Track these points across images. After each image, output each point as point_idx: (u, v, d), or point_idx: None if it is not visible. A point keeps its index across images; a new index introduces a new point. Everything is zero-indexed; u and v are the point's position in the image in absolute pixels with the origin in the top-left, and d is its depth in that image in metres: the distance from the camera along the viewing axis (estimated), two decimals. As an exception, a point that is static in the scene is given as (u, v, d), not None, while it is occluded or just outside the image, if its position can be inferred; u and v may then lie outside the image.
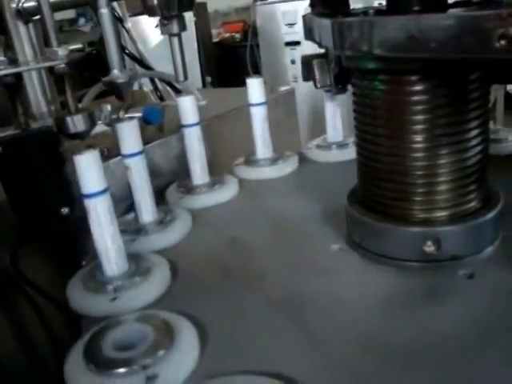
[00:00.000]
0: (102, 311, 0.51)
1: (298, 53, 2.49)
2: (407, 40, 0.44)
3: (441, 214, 0.53)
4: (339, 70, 0.74)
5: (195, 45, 3.12)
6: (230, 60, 3.57)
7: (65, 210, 0.50)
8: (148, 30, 2.07)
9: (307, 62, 0.79)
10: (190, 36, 3.02)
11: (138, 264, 0.55)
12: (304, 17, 0.75)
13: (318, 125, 1.25)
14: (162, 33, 0.72)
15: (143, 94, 1.08)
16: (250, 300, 0.51)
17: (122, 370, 0.41)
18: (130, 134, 0.61)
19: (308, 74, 0.79)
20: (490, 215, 0.53)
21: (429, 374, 0.40)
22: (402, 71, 0.50)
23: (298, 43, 2.66)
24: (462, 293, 0.49)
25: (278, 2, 2.57)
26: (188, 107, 0.71)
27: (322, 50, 0.71)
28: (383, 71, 0.52)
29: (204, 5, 3.27)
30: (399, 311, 0.48)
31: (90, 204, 0.50)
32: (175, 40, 0.71)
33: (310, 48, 2.43)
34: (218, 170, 0.79)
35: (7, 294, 0.65)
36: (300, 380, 0.40)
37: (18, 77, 0.49)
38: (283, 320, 0.48)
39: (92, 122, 0.52)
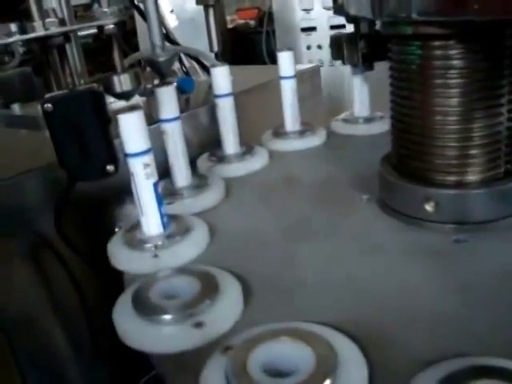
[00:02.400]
0: (144, 268, 0.52)
1: (314, 38, 2.47)
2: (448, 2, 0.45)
3: (472, 177, 0.54)
4: (367, 48, 0.76)
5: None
6: (245, 46, 3.56)
7: (111, 168, 0.51)
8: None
9: (336, 41, 0.80)
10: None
11: (177, 224, 0.57)
12: None
13: (334, 107, 1.26)
14: (197, 3, 0.73)
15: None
16: (290, 256, 0.53)
17: (169, 316, 0.43)
18: (168, 99, 0.62)
19: (337, 53, 0.80)
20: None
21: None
22: (439, 36, 0.51)
23: (313, 29, 2.64)
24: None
25: None
26: (222, 77, 0.72)
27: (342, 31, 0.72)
28: (421, 36, 0.52)
29: (219, -11, 3.27)
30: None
31: (134, 163, 0.52)
32: (211, 11, 0.72)
33: (325, 34, 2.41)
34: (244, 142, 0.80)
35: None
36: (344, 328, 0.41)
37: (66, 38, 0.50)
38: (324, 273, 0.49)
39: (138, 82, 0.53)
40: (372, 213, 0.60)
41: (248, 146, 0.78)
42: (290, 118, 0.82)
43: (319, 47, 2.39)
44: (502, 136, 0.54)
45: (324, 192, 0.67)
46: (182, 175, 0.66)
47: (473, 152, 0.54)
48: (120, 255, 0.55)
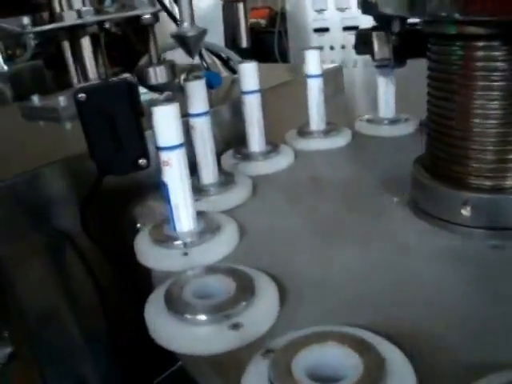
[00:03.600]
0: (173, 266, 0.51)
1: (326, 39, 2.46)
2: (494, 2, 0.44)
3: (510, 182, 0.53)
4: (399, 42, 0.74)
5: (222, 29, 3.10)
6: (255, 46, 3.55)
7: (143, 162, 0.50)
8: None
9: (363, 35, 0.79)
10: (218, 20, 3.01)
11: (206, 222, 0.56)
12: None
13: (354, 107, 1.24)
14: None
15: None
16: (322, 257, 0.52)
17: (205, 317, 0.41)
18: (198, 93, 0.61)
19: (363, 48, 0.79)
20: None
21: None
22: (483, 36, 0.50)
23: (326, 30, 2.63)
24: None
25: None
26: (250, 74, 0.71)
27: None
28: (464, 36, 0.51)
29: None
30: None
31: (168, 157, 0.51)
32: (240, 5, 0.70)
33: (338, 35, 2.39)
34: (269, 140, 0.79)
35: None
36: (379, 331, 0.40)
37: (101, 27, 0.48)
38: (359, 276, 0.48)
39: (173, 74, 0.52)
40: (404, 215, 0.58)
41: (273, 144, 0.76)
42: (316, 117, 0.81)
43: (332, 48, 2.38)
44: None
45: (353, 193, 0.65)
46: (209, 172, 0.65)
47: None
48: (148, 252, 0.54)
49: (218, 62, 1.03)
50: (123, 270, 0.68)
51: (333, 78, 1.02)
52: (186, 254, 0.52)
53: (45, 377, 0.68)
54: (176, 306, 0.43)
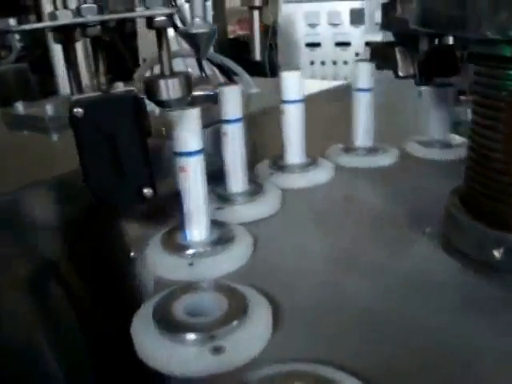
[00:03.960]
0: (177, 275, 0.50)
1: (318, 54, 2.38)
2: None
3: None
4: (426, 58, 0.68)
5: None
6: (244, 57, 3.44)
7: (148, 191, 0.44)
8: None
9: (380, 49, 0.74)
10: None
11: (221, 233, 0.54)
12: (385, 4, 0.69)
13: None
14: (242, 4, 0.68)
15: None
16: (333, 286, 0.48)
17: (189, 335, 0.39)
18: (233, 99, 0.59)
19: (383, 63, 0.73)
20: None
21: None
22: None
23: (318, 45, 2.53)
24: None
25: (302, 2, 2.46)
26: (293, 82, 0.68)
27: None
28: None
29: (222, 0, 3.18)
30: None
31: (185, 163, 0.49)
32: (256, 13, 0.67)
33: (329, 50, 2.32)
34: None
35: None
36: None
37: (105, 29, 0.44)
38: (367, 313, 0.44)
39: (189, 89, 0.45)
40: (431, 250, 0.54)
41: (312, 157, 0.73)
42: (362, 133, 0.77)
43: (322, 63, 2.30)
44: None
45: (384, 219, 0.61)
46: (237, 180, 0.63)
47: None
48: (155, 258, 0.53)
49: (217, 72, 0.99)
50: (113, 303, 0.63)
51: (342, 96, 0.96)
52: (191, 264, 0.50)
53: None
54: (162, 320, 0.41)
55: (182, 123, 0.49)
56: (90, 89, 0.43)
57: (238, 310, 0.41)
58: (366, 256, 0.53)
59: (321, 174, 0.72)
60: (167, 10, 0.42)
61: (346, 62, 2.20)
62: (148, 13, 0.42)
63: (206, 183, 0.52)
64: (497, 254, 0.48)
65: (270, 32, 2.87)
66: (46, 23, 0.40)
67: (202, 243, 0.52)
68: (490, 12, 0.43)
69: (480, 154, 0.51)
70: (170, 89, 0.45)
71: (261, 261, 0.53)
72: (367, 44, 1.98)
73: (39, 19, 0.42)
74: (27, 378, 0.57)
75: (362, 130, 0.77)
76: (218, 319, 0.40)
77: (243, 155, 0.63)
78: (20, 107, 0.88)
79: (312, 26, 2.37)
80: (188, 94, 0.46)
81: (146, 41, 2.05)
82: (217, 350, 0.38)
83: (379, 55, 0.71)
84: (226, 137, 0.61)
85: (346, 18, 2.15)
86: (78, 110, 0.41)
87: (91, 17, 0.40)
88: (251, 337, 0.40)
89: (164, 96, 0.45)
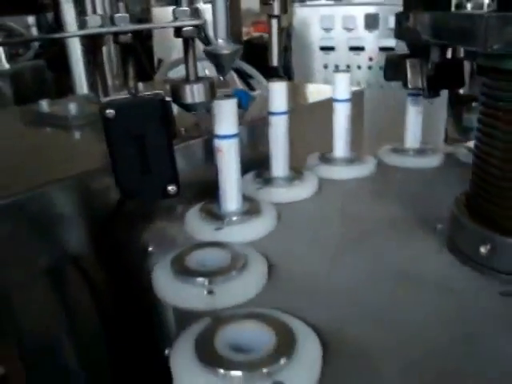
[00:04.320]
0: (197, 306, 0.47)
1: (332, 58, 2.45)
2: None
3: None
4: (435, 72, 0.70)
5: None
6: (258, 60, 3.52)
7: (172, 189, 0.46)
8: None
9: (394, 61, 0.75)
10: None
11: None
12: (399, 15, 0.70)
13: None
14: (261, 11, 0.67)
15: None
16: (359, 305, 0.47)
17: (240, 373, 0.36)
18: (227, 113, 0.56)
19: (394, 74, 0.75)
20: None
21: None
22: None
23: (332, 49, 2.62)
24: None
25: (317, 6, 2.53)
26: (279, 93, 0.66)
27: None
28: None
29: (238, 1, 3.21)
30: None
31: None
32: (274, 22, 0.66)
33: (343, 54, 2.39)
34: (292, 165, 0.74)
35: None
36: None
37: (136, 36, 0.43)
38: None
39: (213, 93, 0.47)
40: (433, 249, 0.56)
41: (297, 170, 0.72)
42: (341, 144, 0.77)
43: (336, 67, 2.36)
44: None
45: (377, 227, 0.61)
46: (232, 198, 0.60)
47: None
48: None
49: (236, 77, 0.98)
50: (130, 296, 0.63)
51: (354, 102, 0.98)
52: (210, 292, 0.47)
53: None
54: (208, 359, 0.38)
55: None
56: (113, 90, 0.44)
57: (286, 343, 0.39)
58: (368, 244, 0.56)
59: (307, 187, 0.71)
60: (195, 22, 0.40)
61: (359, 67, 2.21)
62: (178, 23, 0.40)
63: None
64: (483, 250, 0.50)
65: (285, 35, 2.84)
66: (81, 32, 0.38)
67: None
68: (497, 27, 0.44)
69: (481, 160, 0.53)
70: (195, 93, 0.48)
71: (279, 283, 0.50)
72: (381, 49, 2.01)
73: (57, 18, 0.41)
74: (48, 366, 0.62)
75: (341, 140, 0.76)
76: (269, 354, 0.38)
77: (239, 172, 0.60)
78: (44, 105, 0.89)
79: (327, 30, 2.38)
80: (211, 98, 0.49)
81: (161, 41, 2.00)
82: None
83: (392, 66, 0.72)
84: (221, 153, 0.58)
85: (360, 22, 2.16)
86: (110, 112, 0.43)
87: (125, 25, 0.38)
88: (305, 370, 0.38)
89: (189, 100, 0.48)
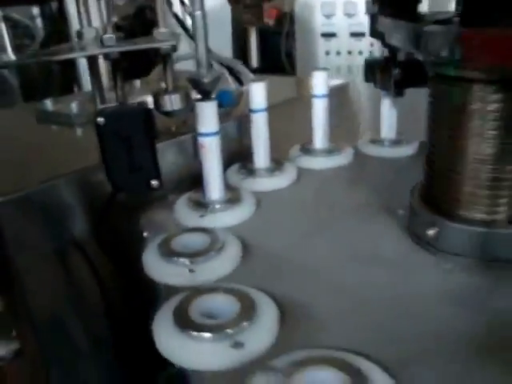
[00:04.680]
0: (180, 282, 0.55)
1: (333, 44, 2.46)
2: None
3: (498, 216, 0.56)
4: (400, 75, 0.78)
5: (229, 28, 3.11)
6: (261, 46, 3.57)
7: (155, 183, 0.54)
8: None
9: (370, 65, 0.83)
10: (225, 19, 3.02)
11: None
12: (372, 15, 0.78)
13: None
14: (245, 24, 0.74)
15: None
16: (321, 280, 0.55)
17: (209, 335, 0.45)
18: (208, 113, 0.64)
19: (370, 76, 0.83)
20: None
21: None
22: (480, 80, 0.52)
23: (333, 35, 2.65)
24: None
25: None
26: (259, 93, 0.74)
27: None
28: (463, 79, 0.54)
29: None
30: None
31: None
32: (253, 29, 0.73)
33: (345, 40, 2.41)
34: (273, 157, 0.82)
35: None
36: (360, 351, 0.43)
37: (122, 54, 0.51)
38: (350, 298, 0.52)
39: (187, 101, 0.55)
40: (392, 232, 0.64)
41: (277, 161, 0.79)
42: (320, 136, 0.84)
43: (338, 53, 2.39)
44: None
45: (346, 212, 0.69)
46: (214, 189, 0.68)
47: (482, 193, 0.55)
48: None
49: (227, 74, 1.05)
50: (130, 277, 0.72)
51: (338, 95, 1.05)
52: (191, 270, 0.55)
53: (49, 375, 0.71)
54: (183, 324, 0.46)
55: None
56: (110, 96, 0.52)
57: (248, 309, 0.47)
58: (335, 228, 0.65)
59: (286, 177, 0.79)
60: (170, 43, 0.48)
61: (360, 52, 2.23)
62: (156, 45, 0.48)
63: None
64: (430, 232, 0.57)
65: (288, 20, 2.87)
66: (74, 54, 0.46)
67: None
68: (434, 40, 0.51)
69: (429, 150, 0.60)
70: (173, 102, 0.58)
71: (252, 262, 0.58)
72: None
73: (61, 9, 0.49)
74: (58, 340, 0.69)
75: (319, 133, 0.84)
76: (233, 319, 0.46)
77: (220, 166, 0.68)
78: (48, 104, 0.97)
79: (328, 16, 2.41)
80: (187, 105, 0.59)
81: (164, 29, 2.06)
82: (237, 345, 0.44)
83: (369, 69, 0.80)
84: (203, 149, 0.66)
85: (361, 8, 2.18)
86: (101, 119, 0.52)
87: (111, 48, 0.46)
88: (263, 332, 0.46)
89: (168, 108, 0.58)
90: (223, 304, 0.48)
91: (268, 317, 0.47)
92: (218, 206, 0.67)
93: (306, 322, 0.49)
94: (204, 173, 0.67)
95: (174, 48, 0.52)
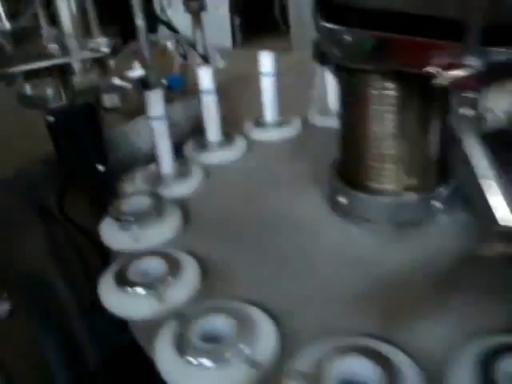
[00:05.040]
0: (124, 246, 0.66)
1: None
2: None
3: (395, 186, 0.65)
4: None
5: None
6: (257, 2, 3.56)
7: (101, 168, 0.64)
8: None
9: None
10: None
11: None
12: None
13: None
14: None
15: (169, 54, 1.18)
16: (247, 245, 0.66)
17: (141, 288, 0.56)
18: (155, 101, 0.74)
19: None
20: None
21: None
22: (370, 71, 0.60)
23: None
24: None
25: None
26: (206, 76, 0.83)
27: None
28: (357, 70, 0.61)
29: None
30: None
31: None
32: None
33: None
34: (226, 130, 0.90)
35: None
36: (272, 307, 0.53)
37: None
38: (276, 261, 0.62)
39: (125, 99, 0.64)
40: (316, 199, 0.73)
41: (228, 135, 0.89)
42: (269, 110, 0.93)
43: None
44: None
45: (286, 183, 0.79)
46: (166, 164, 0.78)
47: (380, 166, 0.64)
48: (109, 232, 0.69)
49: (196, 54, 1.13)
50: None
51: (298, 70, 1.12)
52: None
53: (39, 332, 0.83)
54: (120, 282, 0.57)
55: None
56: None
57: (173, 268, 0.58)
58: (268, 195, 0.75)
59: (236, 150, 0.89)
60: (100, 54, 0.57)
61: None
62: (88, 55, 0.57)
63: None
64: (341, 200, 0.67)
65: None
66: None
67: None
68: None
69: (340, 129, 0.69)
70: (112, 100, 0.68)
71: (193, 229, 0.69)
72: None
73: None
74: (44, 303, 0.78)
75: (269, 107, 0.93)
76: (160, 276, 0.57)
77: (169, 144, 0.77)
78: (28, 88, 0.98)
79: None
80: (125, 103, 0.69)
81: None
82: (160, 295, 0.55)
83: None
84: (153, 130, 0.76)
85: None
86: (50, 118, 0.63)
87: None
88: (184, 286, 0.57)
89: (108, 105, 0.69)
90: (154, 265, 0.59)
91: (191, 273, 0.58)
92: (169, 179, 0.78)
93: (224, 278, 0.60)
94: (156, 151, 0.78)
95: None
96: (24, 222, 0.78)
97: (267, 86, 0.91)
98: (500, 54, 0.45)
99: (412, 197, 0.65)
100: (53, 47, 0.60)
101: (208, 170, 0.82)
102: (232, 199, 0.76)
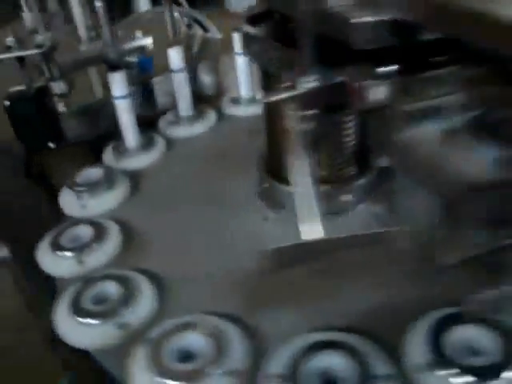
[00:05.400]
0: (73, 212, 0.77)
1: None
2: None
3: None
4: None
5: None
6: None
7: (52, 144, 0.75)
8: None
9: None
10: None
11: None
12: None
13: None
14: None
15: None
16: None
17: (69, 252, 0.67)
18: (118, 81, 0.82)
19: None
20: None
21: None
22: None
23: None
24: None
25: None
26: (175, 56, 0.90)
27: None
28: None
29: None
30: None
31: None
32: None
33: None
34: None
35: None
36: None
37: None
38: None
39: (70, 87, 0.74)
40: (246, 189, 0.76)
41: (201, 110, 0.97)
42: (243, 87, 1.00)
43: None
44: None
45: (215, 163, 0.84)
46: (129, 137, 0.87)
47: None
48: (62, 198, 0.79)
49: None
50: None
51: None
52: (83, 206, 0.77)
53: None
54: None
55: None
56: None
57: (100, 234, 0.69)
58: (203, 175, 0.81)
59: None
60: (38, 50, 0.67)
61: None
62: (25, 53, 0.66)
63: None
64: (264, 187, 0.72)
65: None
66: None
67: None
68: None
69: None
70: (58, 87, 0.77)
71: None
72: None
73: None
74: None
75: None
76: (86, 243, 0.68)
77: (133, 120, 0.86)
78: None
79: None
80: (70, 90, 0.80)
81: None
82: (81, 263, 0.66)
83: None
84: (118, 108, 0.85)
85: None
86: (7, 102, 0.74)
87: None
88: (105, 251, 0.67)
89: (57, 91, 0.79)
90: (84, 231, 0.70)
91: (113, 241, 0.69)
92: (131, 152, 0.87)
93: (142, 246, 0.69)
94: (121, 126, 0.87)
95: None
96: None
97: (240, 64, 0.97)
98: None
99: (323, 188, 0.70)
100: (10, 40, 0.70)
101: (173, 144, 0.91)
102: (183, 173, 0.84)
